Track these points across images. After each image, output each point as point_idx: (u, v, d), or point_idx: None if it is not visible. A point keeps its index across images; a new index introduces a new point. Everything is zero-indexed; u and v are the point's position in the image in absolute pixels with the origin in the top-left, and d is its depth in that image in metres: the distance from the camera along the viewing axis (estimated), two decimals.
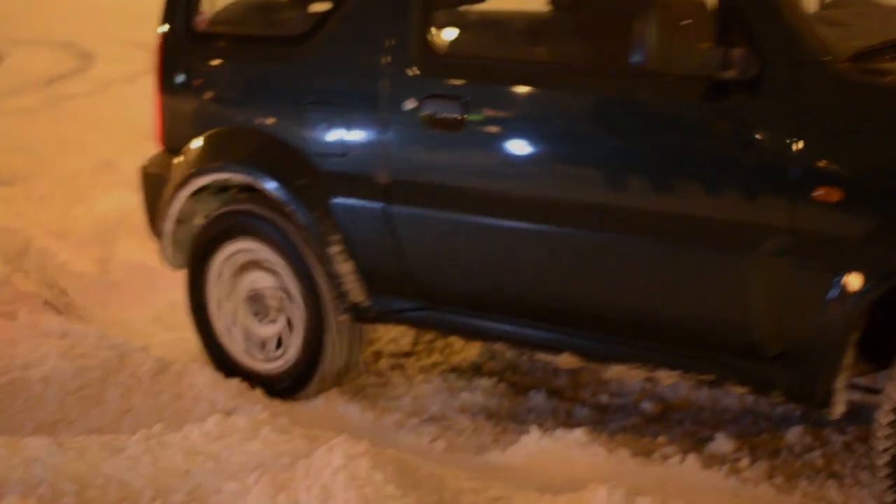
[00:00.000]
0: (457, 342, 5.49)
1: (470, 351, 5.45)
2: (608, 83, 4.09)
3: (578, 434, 4.35)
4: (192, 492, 3.89)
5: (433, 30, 4.47)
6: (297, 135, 4.72)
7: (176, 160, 5.09)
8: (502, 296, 4.41)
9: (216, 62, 5.07)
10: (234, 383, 4.88)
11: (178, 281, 5.63)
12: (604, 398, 4.89)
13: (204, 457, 4.04)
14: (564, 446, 4.30)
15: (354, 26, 4.62)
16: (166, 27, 5.21)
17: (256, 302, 4.97)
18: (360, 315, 4.74)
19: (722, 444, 4.36)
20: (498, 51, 4.63)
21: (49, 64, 15.19)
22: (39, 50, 16.39)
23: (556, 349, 4.34)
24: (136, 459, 4.06)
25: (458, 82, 4.36)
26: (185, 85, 5.12)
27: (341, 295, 4.69)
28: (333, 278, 4.68)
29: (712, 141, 3.85)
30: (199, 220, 5.10)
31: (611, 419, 4.71)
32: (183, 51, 5.15)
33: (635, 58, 3.72)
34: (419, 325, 4.72)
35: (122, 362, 5.03)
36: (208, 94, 5.07)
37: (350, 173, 4.60)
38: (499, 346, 5.19)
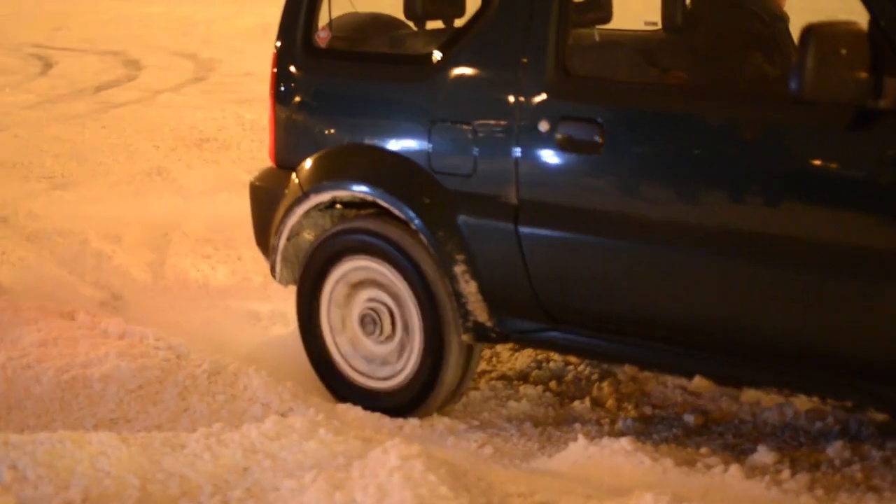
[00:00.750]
0: (504, 351, 5.61)
1: (517, 360, 5.57)
2: (755, 109, 4.13)
3: (624, 443, 4.45)
4: (251, 488, 4.00)
5: (567, 51, 4.49)
6: (421, 153, 4.73)
7: (292, 176, 5.09)
8: (635, 318, 4.42)
9: (338, 79, 5.11)
10: (289, 386, 5.00)
11: (229, 288, 5.79)
12: (647, 409, 4.99)
13: (262, 455, 4.16)
14: (610, 454, 4.39)
15: (486, 47, 4.63)
16: (283, 43, 5.22)
17: (371, 320, 4.94)
18: (482, 335, 4.72)
19: (763, 455, 4.45)
20: (636, 73, 4.65)
21: (98, 72, 15.44)
22: (88, 58, 16.66)
23: (689, 372, 4.40)
24: (197, 456, 4.18)
25: (595, 105, 4.38)
26: (302, 101, 5.15)
27: (464, 315, 4.68)
28: (457, 298, 4.66)
29: (860, 169, 3.91)
30: (307, 238, 5.14)
31: (654, 429, 4.81)
32: (301, 67, 5.16)
33: (791, 85, 3.77)
34: (542, 346, 4.76)
35: (179, 363, 5.18)
36: (328, 111, 5.10)
37: (477, 193, 4.60)
38: (546, 356, 5.34)
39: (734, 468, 4.26)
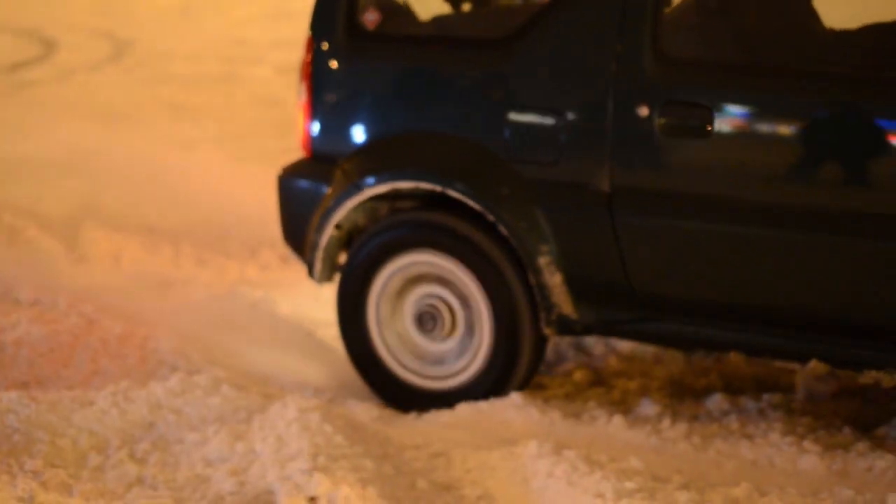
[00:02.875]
0: None
1: None
2: (871, 92, 4.12)
3: (514, 398, 4.67)
4: (156, 442, 4.20)
5: (666, 32, 4.35)
6: (496, 141, 4.54)
7: (338, 168, 4.82)
8: (744, 303, 4.37)
9: (394, 64, 4.84)
10: (197, 349, 5.17)
11: (142, 259, 5.96)
12: (540, 369, 5.22)
13: (167, 410, 4.35)
14: (501, 408, 4.60)
15: (575, 29, 4.45)
16: (320, 27, 4.90)
17: (430, 317, 4.74)
18: (566, 328, 4.58)
19: (647, 408, 4.70)
20: (745, 55, 4.44)
21: (11, 51, 15.36)
22: (2, 37, 16.56)
23: (802, 357, 4.36)
24: (105, 412, 4.36)
25: (700, 89, 4.27)
26: (349, 89, 4.88)
27: (548, 308, 4.52)
28: (540, 291, 4.51)
29: None
30: (335, 232, 4.86)
31: (546, 386, 5.05)
32: (347, 52, 4.85)
33: None
34: (633, 336, 4.64)
35: (90, 328, 5.33)
36: (383, 98, 4.84)
37: (563, 181, 4.45)
38: None
39: (618, 419, 4.50)
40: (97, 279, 6.38)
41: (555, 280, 4.49)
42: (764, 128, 4.28)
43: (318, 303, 6.01)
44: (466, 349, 4.71)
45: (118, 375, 4.92)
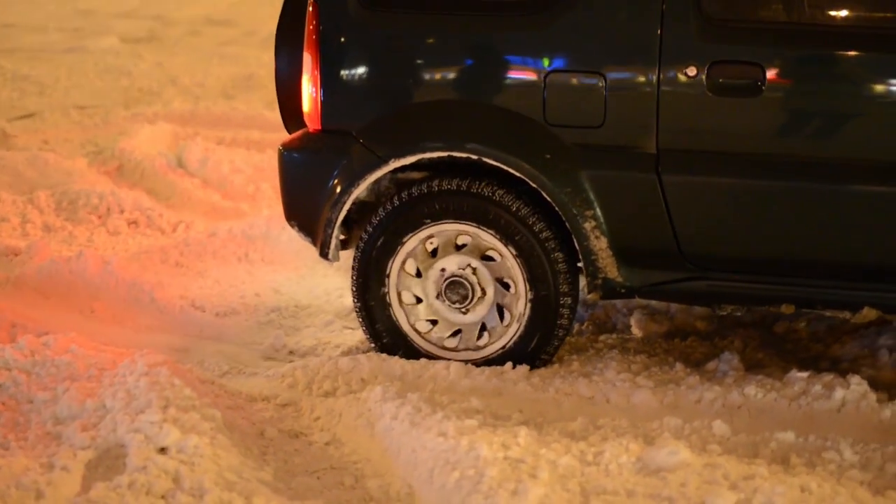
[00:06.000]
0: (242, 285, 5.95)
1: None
2: None
3: (366, 353, 4.80)
4: (6, 402, 4.24)
5: None
6: (534, 106, 4.44)
7: (354, 140, 4.60)
8: (793, 258, 4.40)
9: (419, 30, 4.61)
10: (49, 305, 5.18)
11: None
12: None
13: (17, 371, 4.40)
14: (350, 360, 4.68)
15: None
16: None
17: (453, 289, 4.61)
18: (611, 292, 4.54)
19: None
20: (794, 13, 4.41)
21: None
22: None
23: (855, 306, 4.38)
24: None
25: (750, 47, 4.27)
26: (367, 57, 4.65)
27: (593, 273, 4.48)
28: (585, 256, 4.47)
29: None
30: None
31: None
32: (363, 18, 4.63)
33: None
34: (680, 297, 4.61)
35: None
36: (407, 66, 4.60)
37: (608, 144, 4.40)
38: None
39: (458, 364, 4.61)
40: None
41: (601, 244, 4.45)
42: (815, 84, 4.33)
43: (166, 266, 6.10)
44: (501, 318, 4.64)
45: None
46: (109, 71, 11.96)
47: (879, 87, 4.27)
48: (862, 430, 4.11)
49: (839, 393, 4.25)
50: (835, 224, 4.34)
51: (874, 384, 4.41)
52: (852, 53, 4.28)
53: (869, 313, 4.39)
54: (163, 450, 3.78)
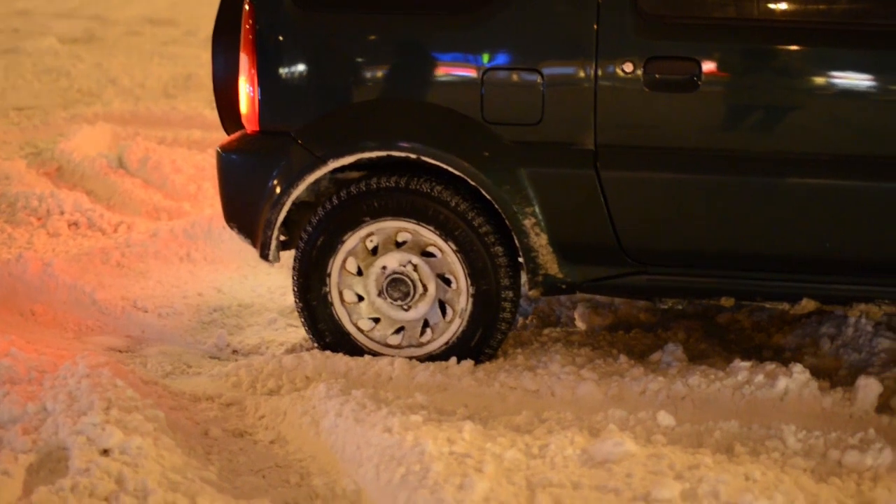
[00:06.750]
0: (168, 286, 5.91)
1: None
2: (857, 41, 4.25)
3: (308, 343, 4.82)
4: None
5: None
6: (471, 104, 4.44)
7: (293, 140, 4.57)
8: (733, 251, 4.43)
9: (355, 29, 4.56)
10: None
11: None
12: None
13: None
14: (294, 358, 4.66)
15: None
16: None
17: (395, 286, 4.59)
18: (552, 288, 4.55)
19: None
20: (729, 9, 4.43)
21: None
22: None
23: (794, 297, 4.42)
24: None
25: (686, 43, 4.29)
26: (303, 57, 4.61)
27: (533, 270, 4.49)
28: (525, 253, 4.47)
29: None
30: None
31: None
32: (300, 18, 4.60)
33: None
34: (622, 291, 4.60)
35: None
36: (344, 66, 4.58)
37: (546, 141, 4.40)
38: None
39: (402, 361, 4.61)
40: None
41: (541, 241, 4.45)
42: (750, 79, 4.34)
43: (107, 267, 6.05)
44: (444, 313, 4.63)
45: None
46: (48, 72, 11.85)
47: (814, 82, 4.31)
48: (805, 417, 4.14)
49: (782, 382, 4.27)
50: (771, 217, 4.36)
51: (816, 372, 4.46)
52: (788, 48, 4.31)
53: (808, 304, 4.43)
54: (105, 451, 3.74)
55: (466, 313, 4.57)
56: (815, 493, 3.54)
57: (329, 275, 4.62)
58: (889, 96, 4.29)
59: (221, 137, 4.91)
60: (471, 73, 4.45)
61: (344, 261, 4.62)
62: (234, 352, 5.12)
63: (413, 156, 4.48)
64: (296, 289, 4.68)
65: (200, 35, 14.17)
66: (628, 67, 4.30)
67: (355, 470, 3.83)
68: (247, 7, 4.58)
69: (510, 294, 4.57)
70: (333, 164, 4.54)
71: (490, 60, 4.43)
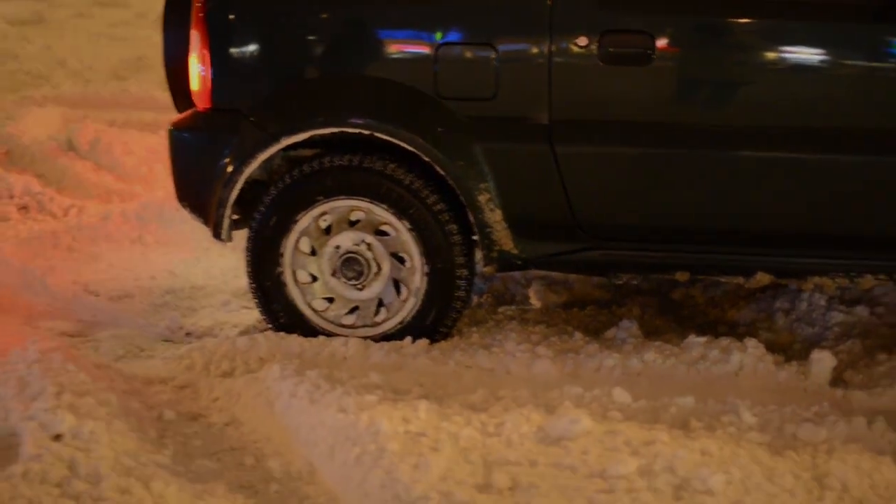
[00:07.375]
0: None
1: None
2: (809, 14, 4.23)
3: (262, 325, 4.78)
4: None
5: None
6: (425, 80, 4.39)
7: (244, 117, 4.53)
8: (688, 226, 4.43)
9: (304, 4, 4.54)
10: None
11: None
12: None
13: None
14: (248, 340, 4.64)
15: None
16: None
17: (349, 266, 4.57)
18: (507, 264, 4.55)
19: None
20: None
21: None
22: None
23: (748, 271, 4.40)
24: None
25: (640, 16, 4.26)
26: (254, 32, 4.57)
27: (488, 246, 4.47)
28: (480, 229, 4.45)
29: None
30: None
31: None
32: None
33: None
34: (577, 267, 4.59)
35: None
36: (295, 41, 4.54)
37: (500, 116, 4.38)
38: None
39: (356, 341, 4.59)
40: None
41: (495, 217, 4.43)
42: (704, 52, 4.33)
43: (58, 251, 6.00)
44: (398, 293, 4.61)
45: None
46: None
47: (767, 55, 4.30)
48: (760, 392, 4.15)
49: (736, 356, 4.29)
50: (725, 191, 4.35)
51: (771, 347, 4.47)
52: (741, 21, 4.31)
53: (762, 278, 4.43)
54: (58, 437, 3.70)
55: (421, 292, 4.55)
56: (770, 467, 3.54)
57: (282, 255, 4.58)
58: (842, 70, 4.29)
59: (173, 119, 4.85)
60: (424, 49, 4.41)
61: (297, 241, 4.58)
62: (188, 334, 5.07)
63: (366, 132, 4.43)
64: (249, 269, 4.65)
65: (151, 17, 13.99)
66: (583, 41, 4.27)
67: (310, 451, 3.81)
68: None
69: (465, 272, 4.55)
70: (286, 142, 4.49)
71: (444, 35, 4.39)
